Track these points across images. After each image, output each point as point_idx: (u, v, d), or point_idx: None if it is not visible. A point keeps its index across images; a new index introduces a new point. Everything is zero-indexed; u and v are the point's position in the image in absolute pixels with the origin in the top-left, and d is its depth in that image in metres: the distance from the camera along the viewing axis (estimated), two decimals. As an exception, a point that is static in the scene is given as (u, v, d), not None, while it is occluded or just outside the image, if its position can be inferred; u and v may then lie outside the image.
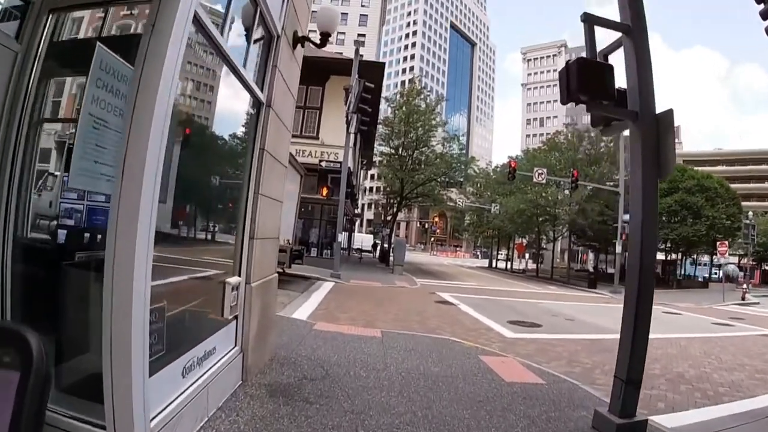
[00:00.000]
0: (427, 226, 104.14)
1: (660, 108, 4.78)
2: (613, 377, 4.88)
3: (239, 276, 4.89)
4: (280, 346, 6.83)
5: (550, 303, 19.52)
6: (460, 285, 25.21)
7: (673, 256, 47.26)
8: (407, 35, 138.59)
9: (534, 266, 61.30)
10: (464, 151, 36.57)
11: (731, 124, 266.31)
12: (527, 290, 26.99)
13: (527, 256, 60.21)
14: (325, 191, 19.80)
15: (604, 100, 4.58)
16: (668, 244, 42.20)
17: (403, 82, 33.96)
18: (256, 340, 5.31)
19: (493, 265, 57.78)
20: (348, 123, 18.95)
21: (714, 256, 46.47)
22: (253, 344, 5.18)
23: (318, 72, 24.34)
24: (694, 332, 13.80)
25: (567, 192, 36.83)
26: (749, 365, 9.40)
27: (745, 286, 31.65)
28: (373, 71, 19.50)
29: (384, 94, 33.15)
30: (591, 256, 71.67)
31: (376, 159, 40.30)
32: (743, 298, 29.44)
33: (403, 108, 33.08)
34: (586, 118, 39.86)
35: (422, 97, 34.20)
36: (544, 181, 30.06)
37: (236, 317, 4.82)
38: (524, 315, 14.68)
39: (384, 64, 31.61)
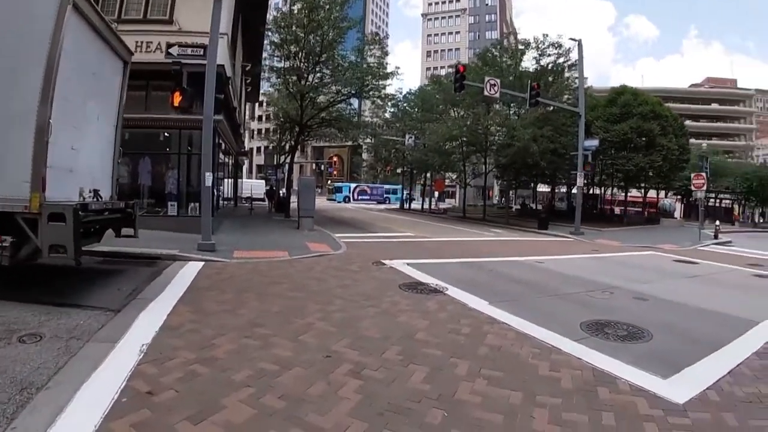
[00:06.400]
0: (322, 167, 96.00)
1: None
2: None
3: None
4: None
5: (548, 261, 13.45)
6: (399, 240, 17.92)
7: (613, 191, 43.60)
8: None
9: (449, 205, 56.47)
10: (386, 61, 27.72)
11: (621, 69, 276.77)
12: (483, 239, 20.61)
13: (436, 194, 54.23)
14: (177, 97, 11.15)
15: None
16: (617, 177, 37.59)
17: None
18: None
19: (405, 206, 51.15)
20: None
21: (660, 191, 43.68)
22: None
23: None
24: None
25: (512, 113, 30.57)
26: None
27: (717, 222, 27.48)
28: None
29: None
30: (496, 191, 68.20)
31: (265, 79, 30.63)
32: (716, 237, 25.43)
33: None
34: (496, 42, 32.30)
35: None
36: (497, 95, 23.00)
37: None
38: (564, 298, 8.61)
39: None
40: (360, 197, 64.59)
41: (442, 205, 52.21)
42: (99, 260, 9.60)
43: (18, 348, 4.79)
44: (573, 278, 10.73)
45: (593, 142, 26.04)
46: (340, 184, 68.27)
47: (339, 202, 59.60)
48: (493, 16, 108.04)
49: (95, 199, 7.64)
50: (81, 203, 6.73)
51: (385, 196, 66.74)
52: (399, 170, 53.89)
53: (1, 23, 6.22)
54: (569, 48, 30.71)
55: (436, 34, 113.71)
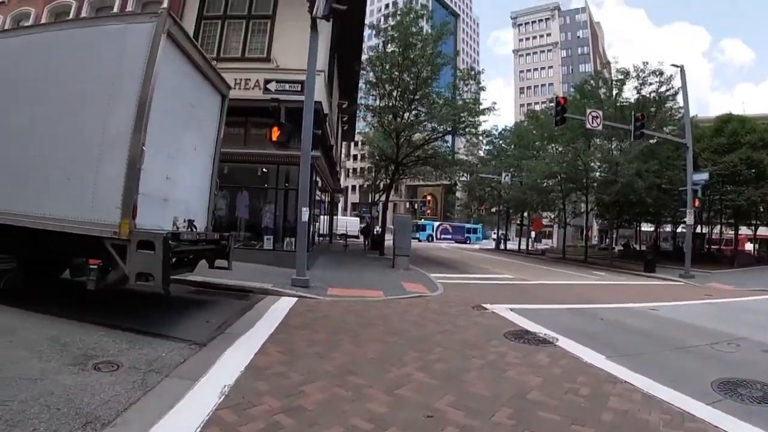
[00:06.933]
0: (416, 206, 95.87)
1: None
2: None
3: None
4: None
5: (661, 308, 12.16)
6: (498, 282, 16.87)
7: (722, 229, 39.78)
8: (386, 5, 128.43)
9: (546, 246, 54.24)
10: (482, 93, 26.96)
11: (719, 97, 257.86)
12: (587, 282, 19.13)
13: (533, 234, 52.09)
14: (275, 131, 11.17)
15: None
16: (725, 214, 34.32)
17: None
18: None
19: (501, 246, 49.45)
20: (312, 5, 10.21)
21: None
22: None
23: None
24: None
25: (613, 147, 28.90)
26: None
27: None
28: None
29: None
30: (596, 231, 64.60)
31: (360, 117, 30.97)
32: None
33: (396, 37, 23.91)
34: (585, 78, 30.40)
35: (425, 19, 24.85)
36: (600, 127, 21.77)
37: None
38: (686, 352, 7.56)
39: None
40: (443, 236, 65.54)
41: (539, 246, 50.13)
42: (191, 290, 9.53)
43: (92, 376, 4.48)
44: (691, 328, 9.51)
45: (702, 176, 24.00)
46: (424, 222, 68.43)
47: (422, 240, 59.25)
48: (585, 48, 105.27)
49: (189, 230, 7.50)
50: (173, 232, 6.54)
51: (466, 235, 67.98)
52: (494, 209, 52.55)
53: (97, 49, 6.30)
54: (671, 75, 28.72)
55: (528, 70, 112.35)
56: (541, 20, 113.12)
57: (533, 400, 4.76)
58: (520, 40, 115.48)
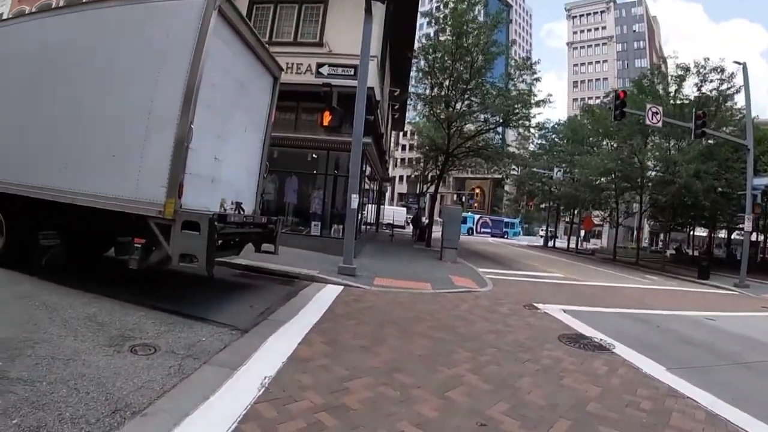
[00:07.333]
0: (464, 198, 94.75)
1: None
2: None
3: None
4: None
5: (719, 319, 11.34)
6: (548, 281, 16.22)
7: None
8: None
9: (596, 246, 52.74)
10: (537, 83, 25.89)
11: None
12: (639, 286, 18.13)
13: (582, 233, 50.53)
14: (327, 116, 10.95)
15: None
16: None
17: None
18: None
19: (549, 243, 48.20)
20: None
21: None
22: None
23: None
24: None
25: (671, 145, 27.59)
26: None
27: None
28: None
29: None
30: (646, 233, 62.16)
31: (411, 107, 30.44)
32: None
33: (450, 25, 23.41)
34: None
35: (477, 8, 24.02)
36: (659, 124, 20.58)
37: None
38: (748, 368, 6.96)
39: None
40: (482, 229, 66.34)
41: (588, 245, 48.67)
42: (235, 273, 9.48)
43: (126, 359, 4.33)
44: (751, 342, 8.91)
45: (763, 181, 22.60)
46: (465, 214, 68.27)
47: (462, 233, 58.81)
48: (641, 43, 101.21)
49: (237, 212, 7.35)
50: (219, 214, 6.37)
51: (504, 229, 68.82)
52: (543, 205, 51.22)
53: (145, 26, 6.20)
54: (732, 72, 26.73)
55: (582, 64, 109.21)
56: (596, 12, 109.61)
57: (592, 412, 4.38)
58: (575, 32, 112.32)
